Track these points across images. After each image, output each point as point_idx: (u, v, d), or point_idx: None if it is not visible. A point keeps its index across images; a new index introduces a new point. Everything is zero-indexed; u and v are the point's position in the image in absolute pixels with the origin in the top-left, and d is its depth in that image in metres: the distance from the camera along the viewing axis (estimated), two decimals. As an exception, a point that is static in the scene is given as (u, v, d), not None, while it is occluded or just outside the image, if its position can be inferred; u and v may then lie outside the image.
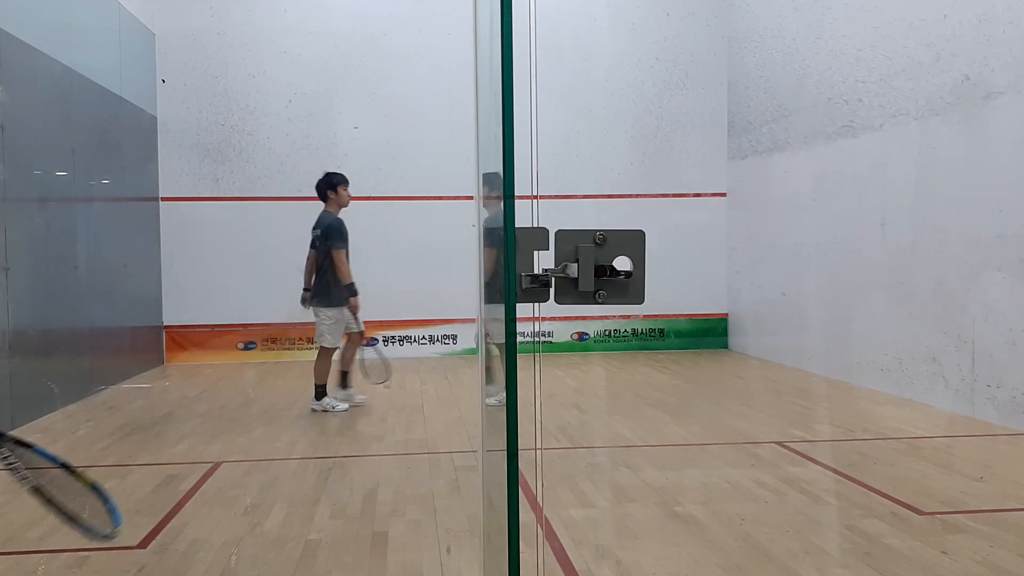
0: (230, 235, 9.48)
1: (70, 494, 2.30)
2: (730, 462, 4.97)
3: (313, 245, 6.58)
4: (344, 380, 6.83)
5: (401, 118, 9.87)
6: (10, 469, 2.20)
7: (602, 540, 3.64)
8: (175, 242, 9.58)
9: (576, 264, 1.29)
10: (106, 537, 2.24)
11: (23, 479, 2.25)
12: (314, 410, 6.60)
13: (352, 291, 6.54)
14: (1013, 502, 4.16)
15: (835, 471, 4.72)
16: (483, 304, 1.49)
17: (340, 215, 6.58)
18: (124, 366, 8.48)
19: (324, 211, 6.60)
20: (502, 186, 1.27)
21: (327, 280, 6.48)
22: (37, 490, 2.28)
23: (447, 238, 9.47)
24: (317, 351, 6.66)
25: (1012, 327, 5.55)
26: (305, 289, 6.66)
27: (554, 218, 1.34)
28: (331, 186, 6.58)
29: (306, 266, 6.65)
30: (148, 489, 4.52)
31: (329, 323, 6.54)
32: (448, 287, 9.52)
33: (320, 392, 6.61)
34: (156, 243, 9.54)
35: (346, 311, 6.58)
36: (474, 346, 9.82)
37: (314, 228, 6.59)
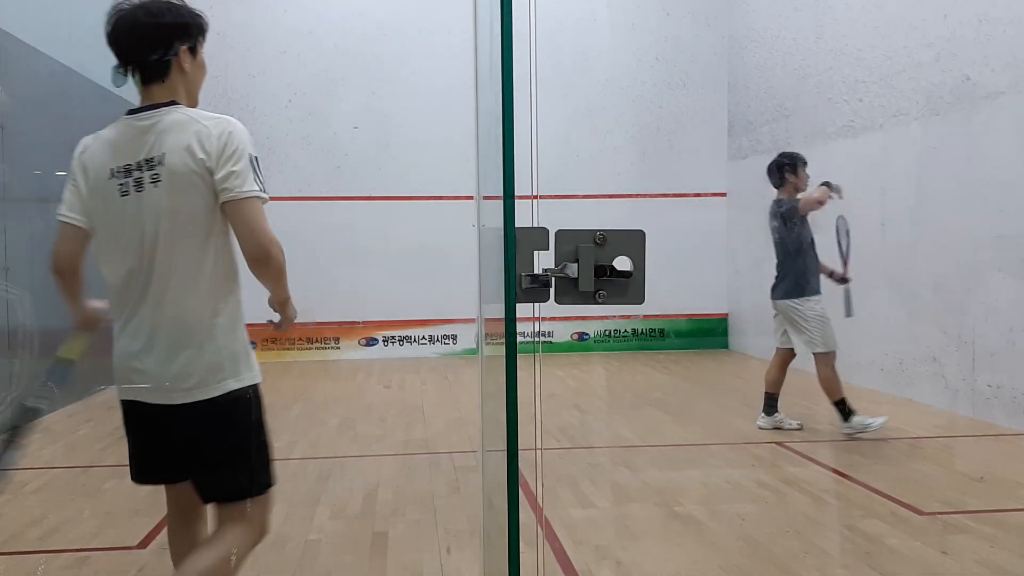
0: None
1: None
2: (730, 462, 4.97)
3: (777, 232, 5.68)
4: (772, 402, 5.78)
5: (401, 118, 9.87)
6: None
7: (602, 540, 3.64)
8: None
9: (576, 264, 1.29)
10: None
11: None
12: (851, 435, 5.39)
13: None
14: (1014, 502, 4.15)
15: (835, 471, 4.72)
16: (483, 304, 1.49)
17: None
18: (124, 366, 8.48)
19: (776, 199, 5.74)
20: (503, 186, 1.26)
21: (800, 266, 5.54)
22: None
23: (447, 238, 9.46)
24: (813, 361, 5.58)
25: (1012, 327, 5.54)
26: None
27: (554, 218, 1.33)
28: (792, 167, 5.70)
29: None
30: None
31: (817, 320, 5.50)
32: (448, 287, 9.51)
33: (848, 409, 5.44)
34: (156, 243, 9.54)
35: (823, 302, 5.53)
36: (474, 346, 9.82)
37: (773, 218, 5.69)
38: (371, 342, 9.77)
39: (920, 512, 3.95)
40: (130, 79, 2.17)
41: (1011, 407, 5.76)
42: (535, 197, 1.47)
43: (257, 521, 2.28)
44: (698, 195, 10.35)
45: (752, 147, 9.69)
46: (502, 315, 1.28)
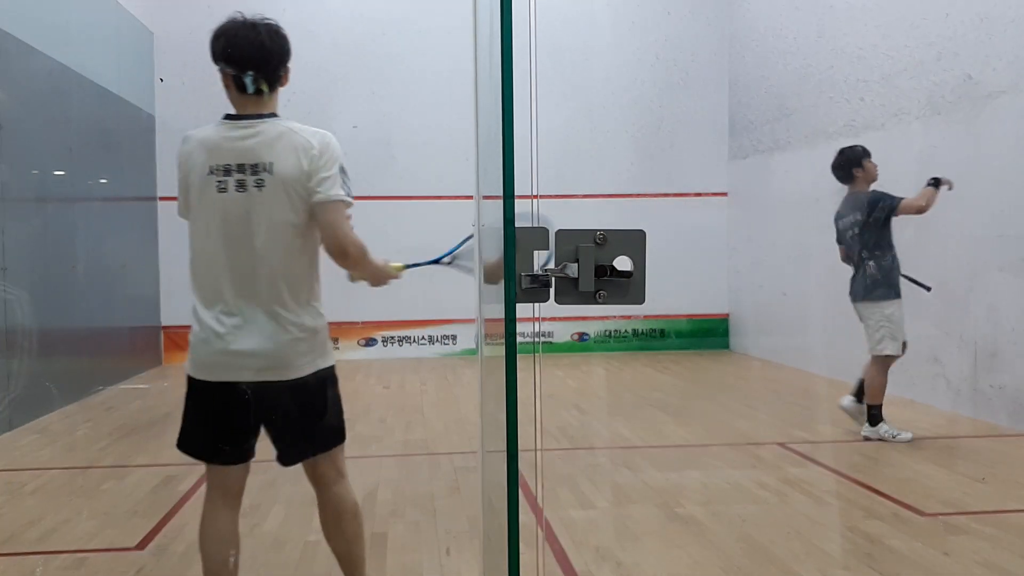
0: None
1: None
2: (731, 463, 4.96)
3: (849, 229, 5.52)
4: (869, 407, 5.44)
5: (401, 118, 9.86)
6: None
7: (602, 541, 3.63)
8: (173, 242, 9.56)
9: (576, 264, 1.28)
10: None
11: None
12: (868, 438, 5.31)
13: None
14: (1015, 503, 4.14)
15: (837, 472, 4.71)
16: (483, 304, 1.47)
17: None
18: (122, 366, 8.47)
19: (853, 192, 5.57)
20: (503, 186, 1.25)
21: (885, 266, 5.36)
22: None
23: (447, 238, 9.45)
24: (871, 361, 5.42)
25: (1014, 327, 5.53)
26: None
27: (554, 218, 1.32)
28: (856, 162, 5.55)
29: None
30: (147, 490, 4.50)
31: (891, 323, 5.34)
32: (448, 287, 9.49)
33: (879, 416, 5.35)
34: (154, 243, 9.53)
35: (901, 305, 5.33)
36: (474, 346, 9.81)
37: (855, 211, 5.47)
38: (370, 342, 9.76)
39: (921, 513, 3.93)
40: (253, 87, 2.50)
41: (1013, 407, 5.75)
42: (535, 197, 1.46)
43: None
44: (698, 195, 10.33)
45: (753, 147, 9.68)
46: (502, 315, 1.27)
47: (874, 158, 5.54)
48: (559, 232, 1.30)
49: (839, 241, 5.71)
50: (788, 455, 5.09)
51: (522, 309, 1.28)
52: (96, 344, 7.78)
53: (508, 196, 1.25)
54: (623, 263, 1.30)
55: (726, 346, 10.43)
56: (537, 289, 1.28)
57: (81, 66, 7.57)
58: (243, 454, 2.57)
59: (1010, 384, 5.65)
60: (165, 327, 9.56)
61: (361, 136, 9.85)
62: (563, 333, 10.15)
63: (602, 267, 1.28)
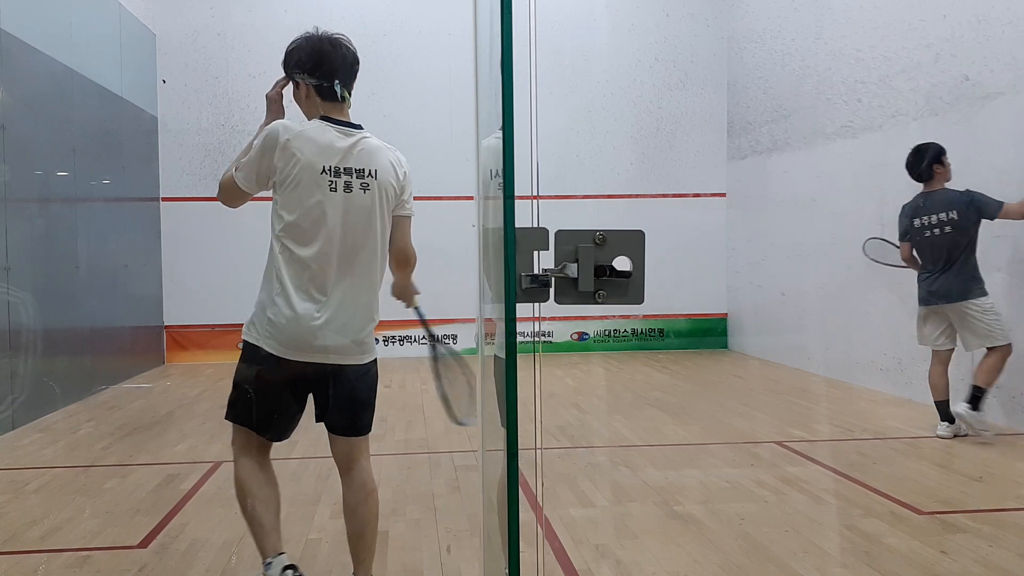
0: (231, 235, 9.49)
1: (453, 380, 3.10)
2: (730, 462, 4.98)
3: (935, 228, 5.45)
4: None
5: (401, 119, 9.87)
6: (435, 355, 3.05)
7: (602, 540, 3.65)
8: (176, 242, 9.59)
9: (576, 264, 1.29)
10: (459, 423, 3.03)
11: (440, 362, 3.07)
12: (970, 420, 5.31)
13: None
14: (1013, 502, 4.16)
15: (835, 471, 4.73)
16: (483, 304, 1.49)
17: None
18: (125, 366, 8.49)
19: (940, 190, 5.50)
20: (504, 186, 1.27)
21: (972, 264, 5.40)
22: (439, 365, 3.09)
23: (447, 238, 9.48)
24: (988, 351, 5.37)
25: (1011, 327, 5.54)
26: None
27: (554, 218, 1.34)
28: (936, 158, 5.50)
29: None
30: (149, 488, 4.52)
31: (994, 316, 5.35)
32: (448, 287, 9.51)
33: (981, 400, 5.33)
34: (157, 243, 9.55)
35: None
36: (474, 346, 9.82)
37: (947, 209, 5.40)
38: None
39: (919, 511, 3.96)
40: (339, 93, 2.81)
41: (1010, 407, 5.77)
42: (535, 197, 1.47)
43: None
44: (697, 195, 10.36)
45: (751, 147, 9.70)
46: (502, 315, 1.29)
47: (871, 159, 5.55)
48: (559, 232, 1.32)
49: (909, 238, 5.62)
50: (786, 454, 5.12)
51: (522, 309, 1.30)
52: (99, 343, 7.80)
53: (508, 196, 1.27)
54: (622, 263, 1.32)
55: (725, 346, 10.45)
56: (537, 289, 1.30)
57: (84, 67, 7.59)
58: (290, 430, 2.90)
59: (1008, 384, 5.67)
60: (168, 327, 9.58)
61: (361, 137, 9.87)
62: (563, 333, 10.17)
63: (601, 267, 1.30)
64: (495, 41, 1.27)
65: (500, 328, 1.32)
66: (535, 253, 1.30)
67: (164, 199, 9.61)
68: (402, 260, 2.92)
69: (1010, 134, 5.75)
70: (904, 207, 5.70)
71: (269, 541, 2.81)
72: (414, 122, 9.83)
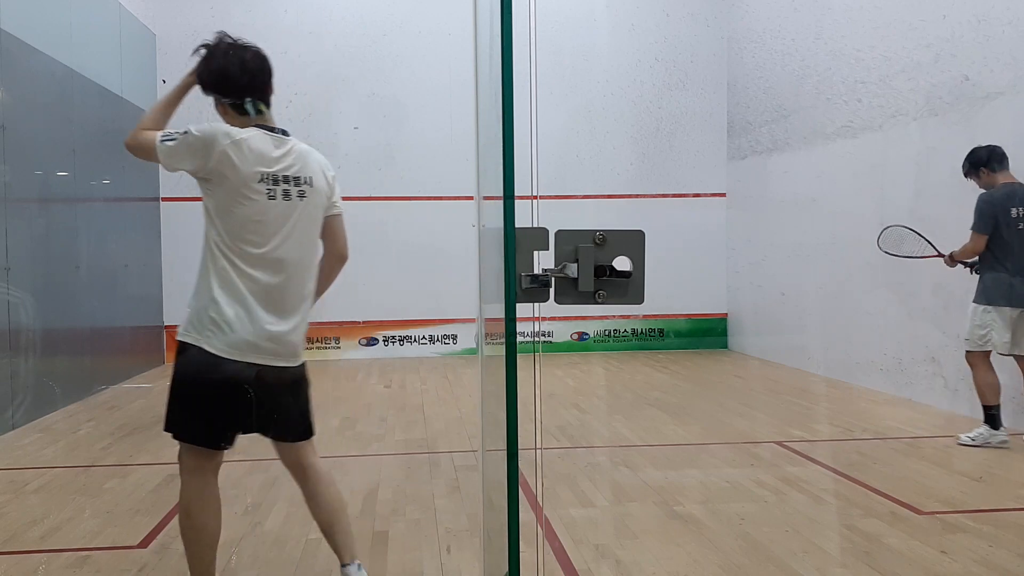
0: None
1: None
2: (730, 462, 4.98)
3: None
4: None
5: (401, 118, 9.88)
6: None
7: (602, 539, 3.65)
8: (176, 242, 9.58)
9: (576, 264, 1.29)
10: None
11: None
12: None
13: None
14: (1012, 502, 4.16)
15: (835, 471, 4.73)
16: (483, 304, 1.49)
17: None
18: (125, 366, 8.49)
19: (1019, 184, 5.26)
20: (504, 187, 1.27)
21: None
22: None
23: (447, 238, 9.48)
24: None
25: None
26: None
27: (554, 218, 1.34)
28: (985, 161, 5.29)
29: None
30: (149, 488, 4.52)
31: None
32: (448, 287, 9.52)
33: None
34: (157, 243, 9.55)
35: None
36: (474, 346, 9.83)
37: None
38: (371, 342, 9.77)
39: (919, 511, 3.96)
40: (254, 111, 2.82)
41: (1009, 407, 5.77)
42: (535, 197, 1.48)
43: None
44: (697, 195, 10.36)
45: (751, 147, 9.70)
46: (502, 315, 1.29)
47: (871, 159, 5.52)
48: (559, 232, 1.32)
49: (996, 229, 5.18)
50: (786, 454, 5.12)
51: (522, 309, 1.30)
52: (99, 343, 7.80)
53: (508, 197, 1.27)
54: (622, 263, 1.32)
55: (725, 346, 10.45)
56: (537, 289, 1.30)
57: (84, 67, 7.59)
58: (245, 431, 2.80)
59: (1007, 384, 5.67)
60: (168, 326, 9.57)
61: (362, 137, 9.88)
62: (563, 333, 10.17)
63: (601, 267, 1.30)
64: (495, 41, 1.27)
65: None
66: (535, 253, 1.30)
67: (164, 199, 9.61)
68: (342, 259, 2.97)
69: (1010, 134, 5.75)
70: (989, 196, 5.22)
71: (203, 570, 2.84)
72: (414, 122, 9.84)
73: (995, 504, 4.10)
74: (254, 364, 2.66)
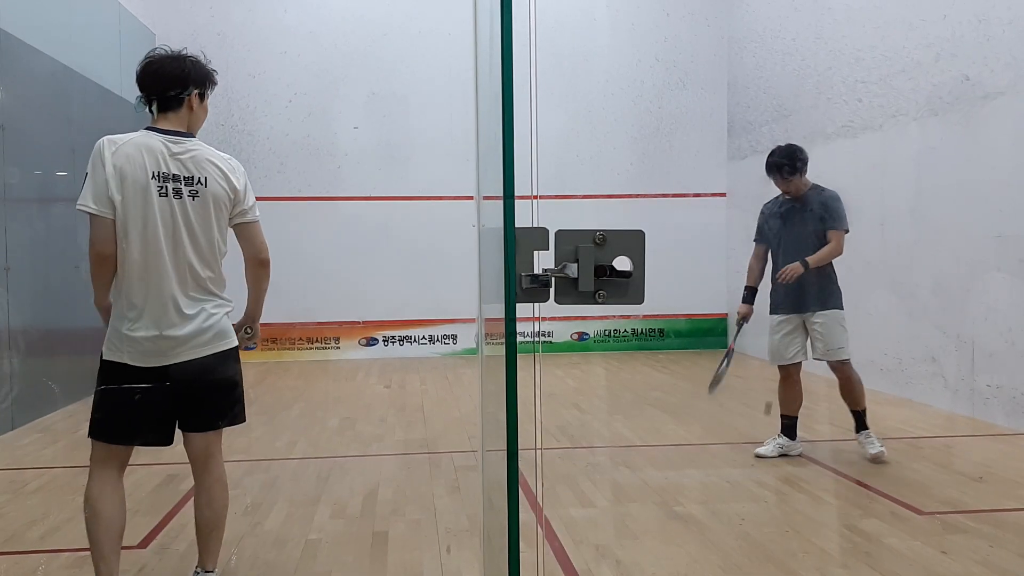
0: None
1: None
2: (730, 462, 4.98)
3: None
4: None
5: (401, 118, 9.88)
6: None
7: (602, 540, 3.65)
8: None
9: (576, 264, 1.29)
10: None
11: None
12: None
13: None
14: (1013, 502, 4.16)
15: (835, 471, 4.73)
16: (483, 304, 1.49)
17: None
18: (124, 366, 8.48)
19: None
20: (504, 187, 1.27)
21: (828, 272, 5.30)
22: None
23: (447, 238, 9.47)
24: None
25: (1012, 327, 5.55)
26: None
27: (554, 218, 1.34)
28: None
29: None
30: (148, 489, 4.52)
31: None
32: (448, 287, 9.52)
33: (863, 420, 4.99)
34: (156, 243, 9.54)
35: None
36: (474, 346, 9.83)
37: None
38: (371, 342, 9.78)
39: (919, 512, 3.95)
40: (142, 107, 2.96)
41: (1010, 407, 5.77)
42: (535, 197, 1.47)
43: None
44: (697, 195, 10.35)
45: (751, 147, 9.70)
46: (502, 315, 1.29)
47: (871, 159, 5.48)
48: (559, 232, 1.32)
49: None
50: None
51: (522, 309, 1.30)
52: (99, 343, 7.78)
53: (508, 196, 1.27)
54: (622, 263, 1.31)
55: (725, 346, 10.43)
56: (537, 289, 1.29)
57: (83, 67, 7.58)
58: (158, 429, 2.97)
59: (1007, 384, 5.67)
60: (166, 327, 9.56)
61: (362, 137, 9.88)
62: (563, 333, 10.17)
63: (602, 267, 1.30)
64: (495, 41, 1.27)
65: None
66: (535, 253, 1.30)
67: (164, 199, 9.61)
68: (259, 264, 3.06)
69: (1010, 133, 5.75)
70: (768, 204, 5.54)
71: (106, 567, 2.85)
72: (414, 122, 9.83)
73: (995, 504, 4.10)
74: (166, 366, 2.80)
